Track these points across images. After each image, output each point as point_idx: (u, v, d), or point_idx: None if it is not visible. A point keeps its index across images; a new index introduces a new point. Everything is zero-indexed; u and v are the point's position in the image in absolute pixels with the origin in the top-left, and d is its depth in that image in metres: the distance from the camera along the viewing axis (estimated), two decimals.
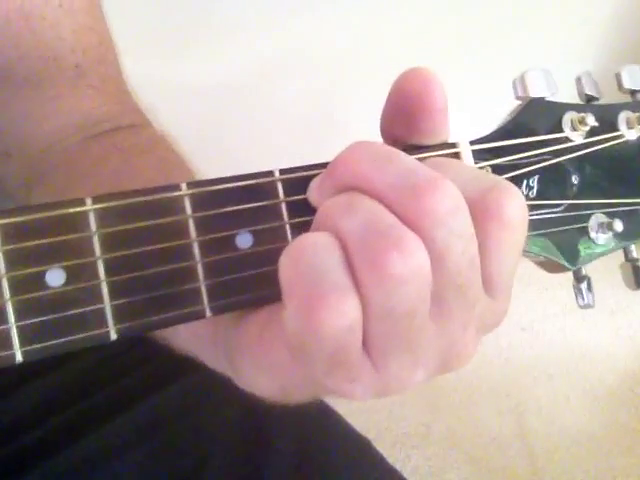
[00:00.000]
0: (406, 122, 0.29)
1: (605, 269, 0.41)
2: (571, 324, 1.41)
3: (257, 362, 0.28)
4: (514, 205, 0.26)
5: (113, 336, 0.26)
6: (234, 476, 0.48)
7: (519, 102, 0.35)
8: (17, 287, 0.24)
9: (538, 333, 1.41)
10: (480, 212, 0.25)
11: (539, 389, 1.32)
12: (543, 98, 0.35)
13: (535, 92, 0.35)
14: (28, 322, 0.25)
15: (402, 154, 0.26)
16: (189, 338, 0.36)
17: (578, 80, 0.38)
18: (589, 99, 0.38)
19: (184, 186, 0.26)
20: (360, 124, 1.29)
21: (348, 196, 0.25)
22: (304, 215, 0.28)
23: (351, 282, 0.24)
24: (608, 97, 0.38)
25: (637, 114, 0.37)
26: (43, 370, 0.51)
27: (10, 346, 0.24)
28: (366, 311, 0.24)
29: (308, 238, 0.25)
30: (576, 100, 0.38)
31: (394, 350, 0.25)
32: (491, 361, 1.33)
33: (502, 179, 0.27)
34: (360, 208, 0.25)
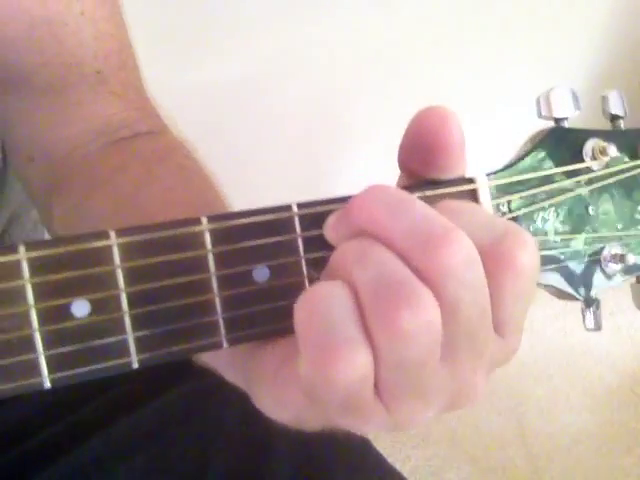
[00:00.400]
0: (423, 158, 0.29)
1: None
2: (571, 324, 1.42)
3: (272, 395, 0.29)
4: (526, 254, 0.26)
5: (135, 365, 0.27)
6: None
7: (533, 120, 0.35)
8: (45, 318, 0.25)
9: (538, 333, 1.41)
10: (492, 261, 0.26)
11: (539, 389, 1.33)
12: (564, 124, 0.34)
13: (559, 111, 0.34)
14: (55, 351, 0.26)
15: (417, 201, 0.26)
16: (209, 357, 0.36)
17: (604, 98, 0.36)
18: (613, 117, 0.36)
19: (204, 220, 0.27)
20: (361, 124, 1.29)
21: (362, 244, 0.26)
22: (320, 250, 0.28)
23: (363, 334, 0.24)
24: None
25: None
26: None
27: (39, 374, 0.26)
28: (377, 361, 0.24)
29: (322, 289, 0.25)
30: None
31: (405, 395, 0.26)
32: None
33: (514, 225, 0.27)
34: (373, 259, 0.25)
